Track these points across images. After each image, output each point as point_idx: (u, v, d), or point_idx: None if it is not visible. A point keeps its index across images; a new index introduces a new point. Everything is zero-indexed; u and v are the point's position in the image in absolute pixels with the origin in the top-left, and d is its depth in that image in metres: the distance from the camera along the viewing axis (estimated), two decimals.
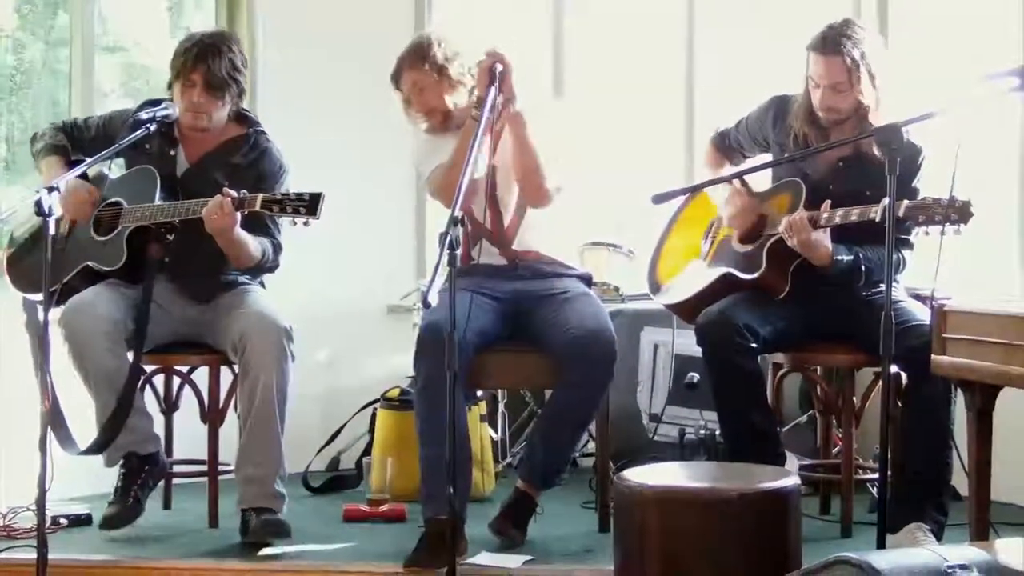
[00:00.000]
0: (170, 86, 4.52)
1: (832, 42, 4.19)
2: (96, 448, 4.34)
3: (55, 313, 4.32)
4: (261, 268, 4.52)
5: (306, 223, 4.13)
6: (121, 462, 4.44)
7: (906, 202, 3.85)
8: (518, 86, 4.22)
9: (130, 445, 4.41)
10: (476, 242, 4.42)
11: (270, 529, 4.21)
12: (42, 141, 4.63)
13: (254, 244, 4.40)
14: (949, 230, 3.71)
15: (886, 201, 3.50)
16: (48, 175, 4.45)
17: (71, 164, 4.49)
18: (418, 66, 4.43)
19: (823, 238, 4.09)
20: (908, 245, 4.20)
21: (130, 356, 4.36)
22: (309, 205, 4.11)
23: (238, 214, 4.22)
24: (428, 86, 4.43)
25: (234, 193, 4.22)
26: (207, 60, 4.39)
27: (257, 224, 4.40)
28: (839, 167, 4.31)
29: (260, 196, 4.18)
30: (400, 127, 5.80)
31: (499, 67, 4.14)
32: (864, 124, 4.22)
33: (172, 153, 4.54)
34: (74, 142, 4.63)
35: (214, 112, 4.47)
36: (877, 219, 3.87)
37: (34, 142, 4.68)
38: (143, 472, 4.44)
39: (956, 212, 3.70)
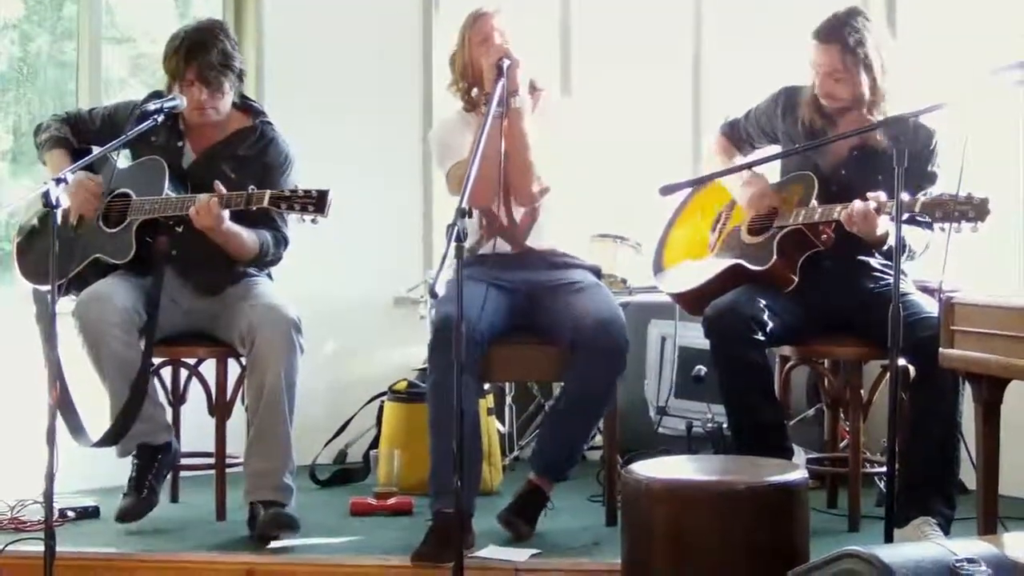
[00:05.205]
0: (170, 87, 4.51)
1: (830, 30, 4.22)
2: (110, 439, 4.33)
3: (69, 304, 4.34)
4: (260, 261, 4.52)
5: (314, 221, 4.13)
6: (134, 452, 4.46)
7: (921, 198, 3.84)
8: (525, 80, 4.27)
9: (143, 435, 4.41)
10: (490, 238, 4.42)
11: (278, 522, 4.21)
12: (46, 133, 4.63)
13: (249, 237, 4.40)
14: (966, 227, 3.68)
15: (904, 197, 3.50)
16: (53, 167, 4.46)
17: (75, 156, 4.48)
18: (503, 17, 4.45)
19: (883, 223, 4.03)
20: (929, 226, 4.17)
21: (143, 346, 4.36)
22: (317, 202, 4.11)
23: (226, 212, 4.22)
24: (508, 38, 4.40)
25: (224, 190, 4.23)
26: (197, 57, 4.38)
27: (262, 217, 4.40)
28: (852, 156, 4.31)
29: (268, 193, 4.18)
30: (409, 114, 5.84)
31: (506, 62, 4.16)
32: (872, 112, 4.21)
33: (180, 145, 4.55)
34: (79, 134, 4.63)
35: (219, 104, 4.48)
36: (917, 209, 3.84)
37: (37, 133, 4.68)
38: (156, 462, 4.46)
39: (974, 209, 3.67)
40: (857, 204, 4.00)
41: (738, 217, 4.54)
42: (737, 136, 4.66)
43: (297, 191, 4.15)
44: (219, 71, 4.42)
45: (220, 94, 4.46)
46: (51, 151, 4.58)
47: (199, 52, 4.39)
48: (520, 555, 4.04)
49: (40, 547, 3.69)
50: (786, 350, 4.48)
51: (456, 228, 3.44)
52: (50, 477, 3.64)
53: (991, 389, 3.55)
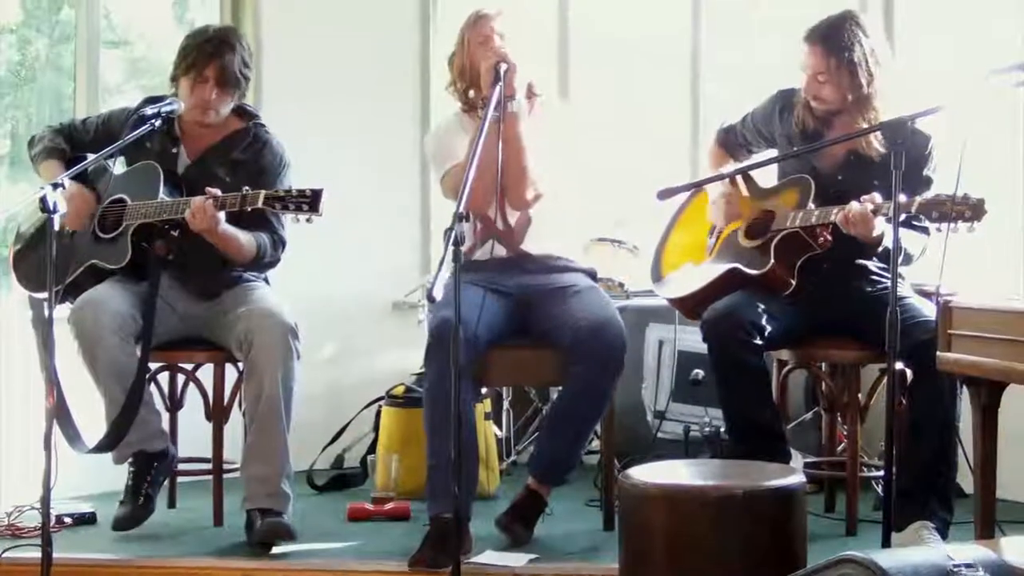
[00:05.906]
0: (174, 79, 4.51)
1: (818, 32, 4.24)
2: (106, 446, 4.32)
3: (64, 310, 4.33)
4: (258, 263, 4.52)
5: (308, 220, 4.12)
6: (130, 460, 4.45)
7: (918, 199, 3.83)
8: (522, 84, 4.27)
9: (139, 443, 4.40)
10: (486, 242, 4.42)
11: (275, 531, 4.20)
12: (40, 144, 4.62)
13: (246, 239, 4.40)
14: (962, 227, 3.67)
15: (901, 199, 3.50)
16: (47, 179, 4.43)
17: (70, 166, 4.45)
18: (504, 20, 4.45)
19: (879, 225, 4.01)
20: (926, 232, 4.16)
21: (139, 352, 4.35)
22: (311, 202, 4.10)
23: (221, 214, 4.22)
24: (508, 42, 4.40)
25: (218, 192, 4.23)
26: (222, 56, 4.41)
27: (259, 219, 4.39)
28: (850, 160, 4.30)
29: (262, 193, 4.17)
30: (407, 118, 5.83)
31: (503, 66, 4.16)
32: (864, 116, 4.21)
33: (174, 151, 4.55)
34: (73, 144, 4.63)
35: (222, 108, 4.48)
36: (914, 210, 3.82)
37: (31, 145, 4.68)
38: (152, 469, 4.45)
39: (970, 209, 3.66)
40: (855, 206, 3.99)
41: (736, 221, 4.53)
42: (733, 142, 4.66)
43: (291, 191, 4.15)
44: (236, 76, 4.44)
45: (228, 99, 4.49)
46: (45, 162, 4.57)
47: (226, 52, 4.42)
48: (518, 560, 4.04)
49: (37, 553, 3.68)
50: (784, 354, 4.48)
51: (454, 232, 3.44)
52: (47, 483, 3.64)
53: (989, 393, 3.55)
